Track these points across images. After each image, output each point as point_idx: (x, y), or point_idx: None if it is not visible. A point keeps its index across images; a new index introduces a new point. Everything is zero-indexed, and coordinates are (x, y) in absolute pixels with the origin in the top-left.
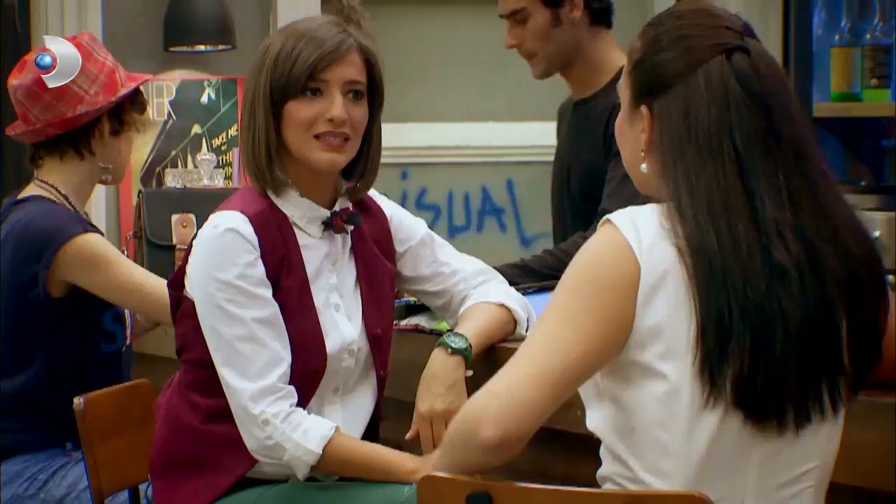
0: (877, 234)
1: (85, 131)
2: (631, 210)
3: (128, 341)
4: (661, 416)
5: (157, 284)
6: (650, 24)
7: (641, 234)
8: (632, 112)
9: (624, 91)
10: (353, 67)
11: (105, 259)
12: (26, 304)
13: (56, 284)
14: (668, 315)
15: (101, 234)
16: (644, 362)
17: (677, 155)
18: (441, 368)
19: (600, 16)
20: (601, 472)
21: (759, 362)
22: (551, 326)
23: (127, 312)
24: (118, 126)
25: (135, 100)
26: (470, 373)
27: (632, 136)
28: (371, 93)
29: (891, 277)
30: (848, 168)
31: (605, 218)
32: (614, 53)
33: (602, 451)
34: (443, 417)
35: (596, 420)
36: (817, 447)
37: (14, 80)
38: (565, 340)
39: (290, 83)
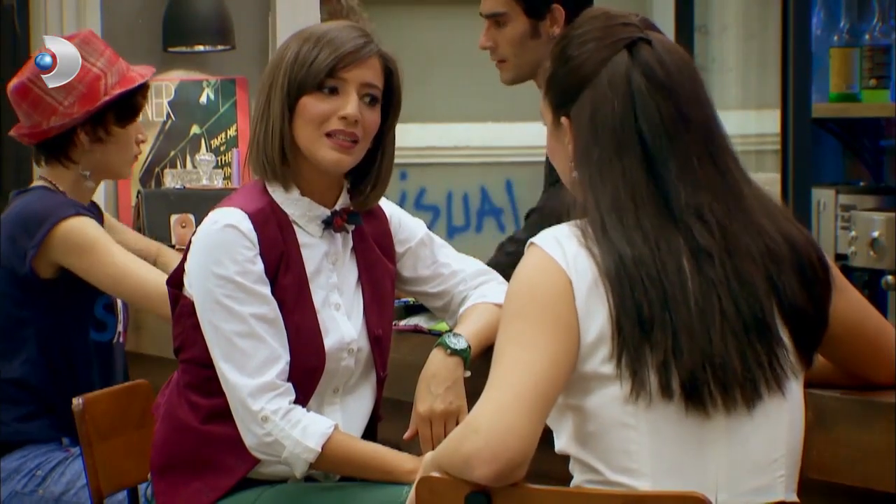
0: (875, 234)
1: (60, 142)
2: (553, 229)
3: (119, 337)
4: (618, 415)
5: (148, 274)
6: (556, 43)
7: (565, 248)
8: (555, 128)
9: (544, 111)
10: (372, 72)
11: (94, 243)
12: (16, 283)
13: (46, 265)
14: (606, 319)
15: (98, 219)
16: (594, 370)
17: (585, 158)
18: (440, 368)
19: None
20: (574, 483)
21: (686, 348)
22: (510, 353)
23: (119, 304)
24: (97, 135)
25: (125, 105)
26: (468, 374)
27: (561, 151)
28: (387, 102)
29: (890, 278)
30: (847, 168)
31: (528, 242)
32: None
33: (571, 466)
34: (442, 418)
35: (563, 440)
36: (779, 431)
37: (10, 84)
38: (528, 361)
39: (309, 78)
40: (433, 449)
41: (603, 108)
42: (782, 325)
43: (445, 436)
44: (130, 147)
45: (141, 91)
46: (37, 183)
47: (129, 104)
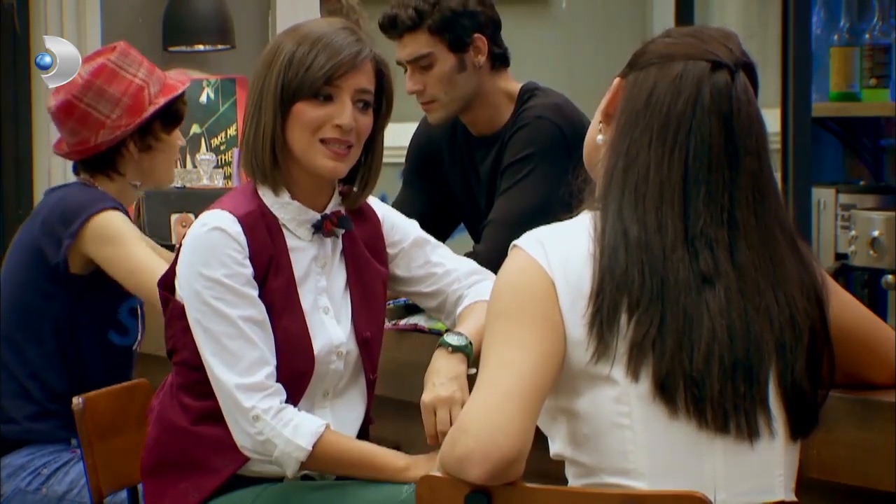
0: (875, 233)
1: (109, 155)
2: (536, 231)
3: (138, 343)
4: (612, 416)
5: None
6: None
7: (548, 250)
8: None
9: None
10: (366, 77)
11: (121, 235)
12: (45, 273)
13: (77, 258)
14: (589, 280)
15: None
16: (583, 370)
17: (628, 127)
18: (442, 365)
19: (501, 59)
20: (570, 486)
21: (669, 348)
22: (497, 353)
23: (139, 309)
24: (147, 144)
25: (169, 113)
26: (473, 370)
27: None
28: (378, 102)
29: (890, 277)
30: (847, 168)
31: (512, 244)
32: (512, 86)
33: (567, 470)
34: (446, 403)
35: (557, 444)
36: (775, 452)
37: (50, 101)
38: (515, 359)
39: (304, 85)
40: (439, 441)
41: (664, 93)
42: (777, 395)
43: (451, 423)
44: (175, 152)
45: (181, 97)
46: (73, 180)
47: (172, 111)
